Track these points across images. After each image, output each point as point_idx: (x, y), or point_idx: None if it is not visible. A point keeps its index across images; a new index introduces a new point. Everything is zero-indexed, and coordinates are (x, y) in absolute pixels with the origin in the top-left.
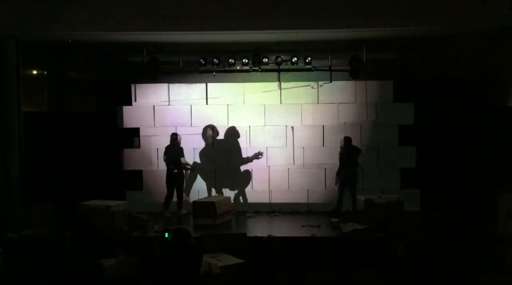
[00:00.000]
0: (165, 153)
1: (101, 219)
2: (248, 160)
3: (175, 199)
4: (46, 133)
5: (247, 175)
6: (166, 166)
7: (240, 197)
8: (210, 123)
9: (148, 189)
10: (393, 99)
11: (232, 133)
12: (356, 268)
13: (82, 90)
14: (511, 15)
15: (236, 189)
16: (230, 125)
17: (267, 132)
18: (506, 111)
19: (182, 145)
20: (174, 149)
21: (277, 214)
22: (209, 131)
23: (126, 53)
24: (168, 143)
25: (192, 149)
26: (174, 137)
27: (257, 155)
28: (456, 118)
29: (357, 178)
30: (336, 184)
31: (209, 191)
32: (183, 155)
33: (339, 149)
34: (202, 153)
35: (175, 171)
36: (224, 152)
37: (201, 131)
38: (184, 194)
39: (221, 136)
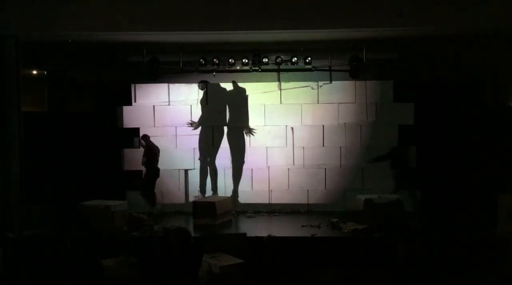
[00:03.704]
0: (145, 155)
1: (101, 219)
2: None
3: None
4: (46, 133)
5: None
6: (149, 167)
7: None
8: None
9: None
10: (393, 99)
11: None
12: (356, 268)
13: (82, 90)
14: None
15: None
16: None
17: (267, 132)
18: (506, 111)
19: (182, 145)
20: (153, 149)
21: (277, 214)
22: (200, 85)
23: (126, 53)
24: (157, 143)
25: (192, 149)
26: (148, 137)
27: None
28: (456, 118)
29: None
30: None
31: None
32: (158, 152)
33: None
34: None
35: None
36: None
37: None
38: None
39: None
